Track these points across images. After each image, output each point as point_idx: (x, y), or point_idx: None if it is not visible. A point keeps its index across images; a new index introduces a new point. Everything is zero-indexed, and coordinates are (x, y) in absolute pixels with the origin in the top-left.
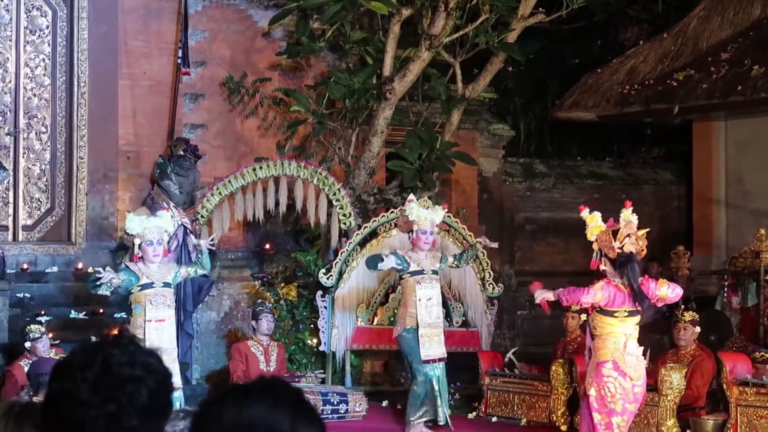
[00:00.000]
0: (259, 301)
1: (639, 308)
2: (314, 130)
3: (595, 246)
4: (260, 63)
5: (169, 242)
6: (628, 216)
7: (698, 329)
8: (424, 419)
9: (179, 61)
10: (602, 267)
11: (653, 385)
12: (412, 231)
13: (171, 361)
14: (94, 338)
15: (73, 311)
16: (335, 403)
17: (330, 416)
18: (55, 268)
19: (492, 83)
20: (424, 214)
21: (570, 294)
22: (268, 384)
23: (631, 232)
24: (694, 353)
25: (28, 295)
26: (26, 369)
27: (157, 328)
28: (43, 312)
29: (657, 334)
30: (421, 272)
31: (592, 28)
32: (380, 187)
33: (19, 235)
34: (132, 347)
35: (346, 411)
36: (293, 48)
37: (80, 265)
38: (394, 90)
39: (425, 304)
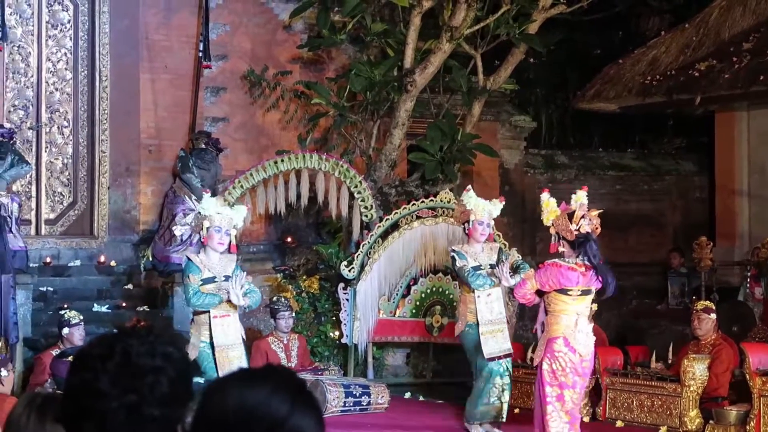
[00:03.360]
0: (275, 299)
1: (593, 287)
2: (335, 123)
3: (552, 230)
4: (281, 56)
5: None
6: (580, 198)
7: (714, 316)
8: (486, 420)
9: (200, 54)
10: (560, 249)
11: (676, 376)
12: (468, 222)
13: (238, 356)
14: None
15: (96, 305)
16: (357, 395)
17: (352, 408)
18: (77, 262)
19: (513, 75)
20: (482, 204)
21: (519, 290)
22: (273, 370)
23: (584, 213)
24: (714, 342)
25: (51, 289)
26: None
27: (222, 325)
28: (66, 306)
29: (680, 326)
30: (478, 267)
31: (613, 19)
32: (402, 180)
33: (41, 229)
34: (151, 337)
35: (369, 403)
36: (314, 41)
37: (102, 259)
38: (415, 82)
39: (485, 300)
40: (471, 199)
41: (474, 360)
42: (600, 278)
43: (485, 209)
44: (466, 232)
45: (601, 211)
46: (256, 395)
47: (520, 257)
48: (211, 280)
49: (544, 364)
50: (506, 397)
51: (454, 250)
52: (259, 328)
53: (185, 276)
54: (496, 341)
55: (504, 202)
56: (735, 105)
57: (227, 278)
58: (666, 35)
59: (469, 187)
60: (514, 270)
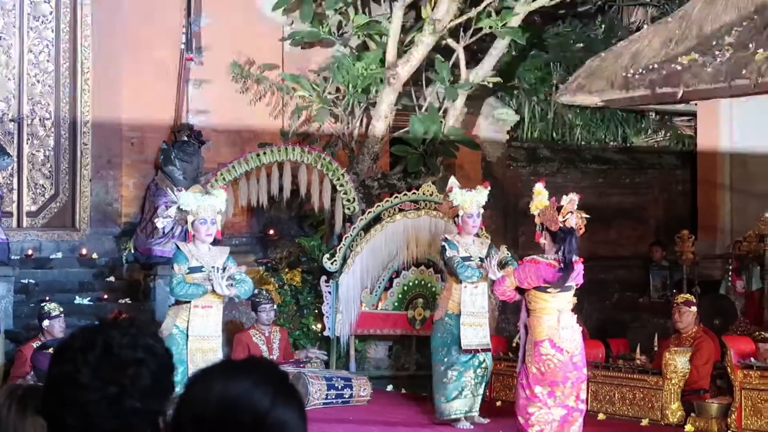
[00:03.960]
0: (257, 291)
1: (574, 283)
2: (318, 116)
3: (537, 220)
4: (264, 48)
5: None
6: (572, 197)
7: (694, 309)
8: (463, 413)
9: (183, 46)
10: (542, 240)
11: (657, 369)
12: (457, 216)
13: (213, 349)
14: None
15: (77, 297)
16: (339, 387)
17: (334, 401)
18: (59, 254)
19: (496, 67)
20: (469, 196)
21: (498, 287)
22: (255, 363)
23: (573, 210)
24: (695, 335)
25: (33, 281)
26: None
27: (203, 315)
28: (47, 298)
29: (662, 319)
30: (468, 258)
31: (596, 12)
32: (384, 172)
33: (23, 221)
34: (133, 329)
35: (351, 396)
36: (297, 33)
37: (84, 251)
38: (398, 75)
39: (470, 292)
40: (457, 195)
41: (442, 350)
42: (561, 273)
43: (473, 201)
44: (457, 225)
45: (588, 216)
46: (238, 387)
47: (509, 255)
48: (198, 269)
49: (532, 367)
50: (480, 390)
51: (446, 239)
52: (241, 320)
53: (172, 265)
54: (475, 333)
55: (489, 187)
56: (718, 99)
57: (217, 269)
58: (648, 29)
59: (452, 180)
60: (502, 266)
